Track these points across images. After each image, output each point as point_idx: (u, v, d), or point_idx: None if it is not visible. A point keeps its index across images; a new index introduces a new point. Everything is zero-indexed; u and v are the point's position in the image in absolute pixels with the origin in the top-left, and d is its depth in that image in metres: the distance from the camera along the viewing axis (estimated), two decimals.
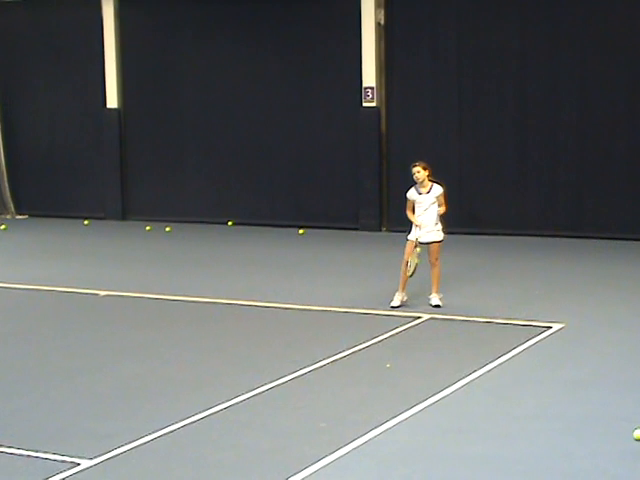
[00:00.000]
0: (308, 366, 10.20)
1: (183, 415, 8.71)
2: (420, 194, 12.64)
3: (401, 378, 9.85)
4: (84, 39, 21.57)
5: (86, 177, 21.86)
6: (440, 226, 12.79)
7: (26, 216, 22.22)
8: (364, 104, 19.29)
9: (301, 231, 19.24)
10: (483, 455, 7.72)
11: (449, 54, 18.77)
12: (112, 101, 21.36)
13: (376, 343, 11.12)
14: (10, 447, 8.06)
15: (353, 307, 12.88)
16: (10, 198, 22.20)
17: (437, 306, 12.62)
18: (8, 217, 22.06)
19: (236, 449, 7.99)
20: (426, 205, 12.62)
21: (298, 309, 12.95)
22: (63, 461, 7.73)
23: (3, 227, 20.48)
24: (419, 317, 12.24)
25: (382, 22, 19.16)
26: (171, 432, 8.35)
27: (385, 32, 19.20)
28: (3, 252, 18.00)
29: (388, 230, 19.27)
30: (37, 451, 7.95)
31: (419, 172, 12.58)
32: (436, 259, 12.75)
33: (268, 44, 20.12)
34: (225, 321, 12.55)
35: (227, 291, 14.01)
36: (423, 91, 19.08)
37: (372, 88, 19.16)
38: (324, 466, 7.53)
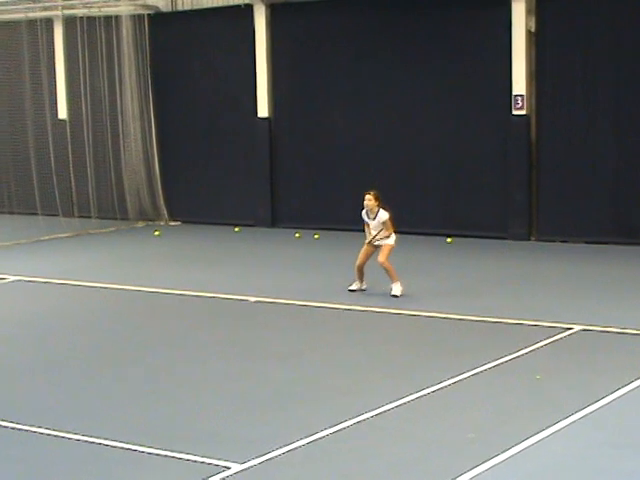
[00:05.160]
0: (456, 375, 10.15)
1: (332, 422, 8.77)
2: (369, 219, 14.36)
3: (552, 389, 9.71)
4: (236, 49, 21.93)
5: (237, 185, 22.21)
6: (392, 237, 14.33)
7: (179, 223, 22.72)
8: (514, 112, 19.09)
9: (449, 239, 19.15)
10: None
11: (602, 61, 18.39)
12: (263, 110, 21.66)
13: (526, 354, 11.00)
14: (163, 449, 8.26)
15: (502, 317, 12.76)
16: (164, 205, 22.73)
17: (395, 296, 13.93)
18: (162, 223, 22.59)
19: (383, 457, 8.01)
20: (375, 228, 14.32)
21: (447, 317, 12.90)
22: (214, 464, 7.88)
23: (157, 233, 20.98)
24: (570, 328, 12.05)
25: (533, 29, 18.93)
26: (320, 439, 8.42)
27: (536, 39, 18.97)
28: (156, 258, 18.43)
29: (537, 240, 19.00)
30: (189, 453, 8.13)
31: (370, 201, 14.28)
32: (384, 258, 14.07)
33: (419, 52, 20.09)
34: (374, 328, 12.59)
35: (375, 299, 14.02)
36: (575, 99, 18.75)
37: (522, 96, 18.94)
38: (472, 477, 7.48)
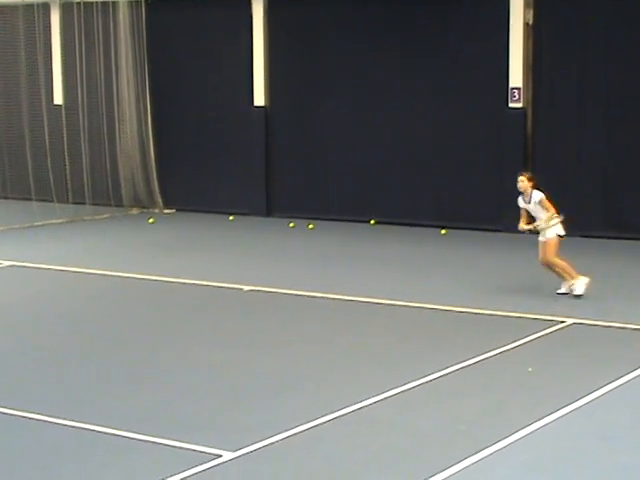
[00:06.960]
0: (448, 367, 10.17)
1: (324, 411, 8.79)
2: (525, 203, 13.43)
3: (543, 382, 9.74)
4: (233, 37, 21.88)
5: (232, 174, 22.18)
6: (555, 222, 13.27)
7: (173, 210, 22.69)
8: (510, 105, 19.09)
9: (443, 231, 19.15)
10: (629, 466, 7.56)
11: (599, 54, 18.39)
12: (259, 99, 21.63)
13: (517, 347, 11.02)
14: (155, 436, 8.27)
15: (495, 309, 12.77)
16: (159, 193, 22.70)
17: (579, 296, 13.09)
18: (156, 211, 22.56)
19: (374, 447, 8.03)
20: (535, 213, 13.42)
21: (439, 309, 12.91)
22: (205, 452, 7.89)
23: (151, 220, 20.97)
24: (563, 321, 12.08)
25: (530, 22, 18.92)
26: (311, 428, 8.44)
27: (533, 32, 18.95)
28: (150, 245, 18.41)
29: (531, 232, 18.95)
30: (181, 441, 8.14)
31: (522, 182, 13.38)
32: (549, 256, 13.21)
33: (416, 44, 20.05)
34: (365, 319, 12.59)
35: (367, 289, 14.04)
36: (571, 92, 18.75)
37: (519, 89, 18.94)
38: (462, 469, 7.51)
